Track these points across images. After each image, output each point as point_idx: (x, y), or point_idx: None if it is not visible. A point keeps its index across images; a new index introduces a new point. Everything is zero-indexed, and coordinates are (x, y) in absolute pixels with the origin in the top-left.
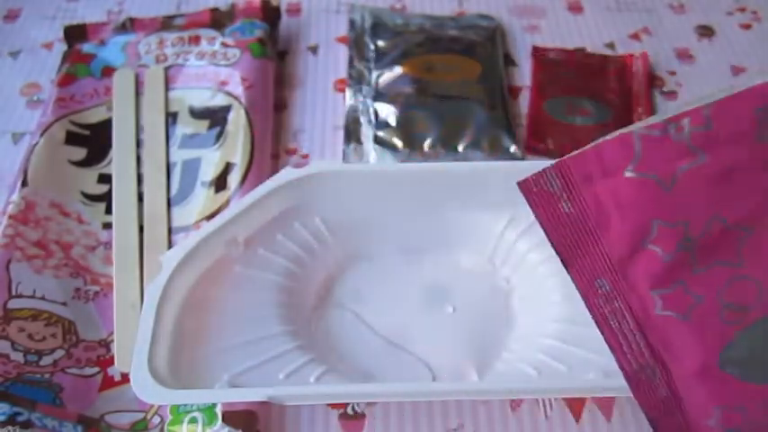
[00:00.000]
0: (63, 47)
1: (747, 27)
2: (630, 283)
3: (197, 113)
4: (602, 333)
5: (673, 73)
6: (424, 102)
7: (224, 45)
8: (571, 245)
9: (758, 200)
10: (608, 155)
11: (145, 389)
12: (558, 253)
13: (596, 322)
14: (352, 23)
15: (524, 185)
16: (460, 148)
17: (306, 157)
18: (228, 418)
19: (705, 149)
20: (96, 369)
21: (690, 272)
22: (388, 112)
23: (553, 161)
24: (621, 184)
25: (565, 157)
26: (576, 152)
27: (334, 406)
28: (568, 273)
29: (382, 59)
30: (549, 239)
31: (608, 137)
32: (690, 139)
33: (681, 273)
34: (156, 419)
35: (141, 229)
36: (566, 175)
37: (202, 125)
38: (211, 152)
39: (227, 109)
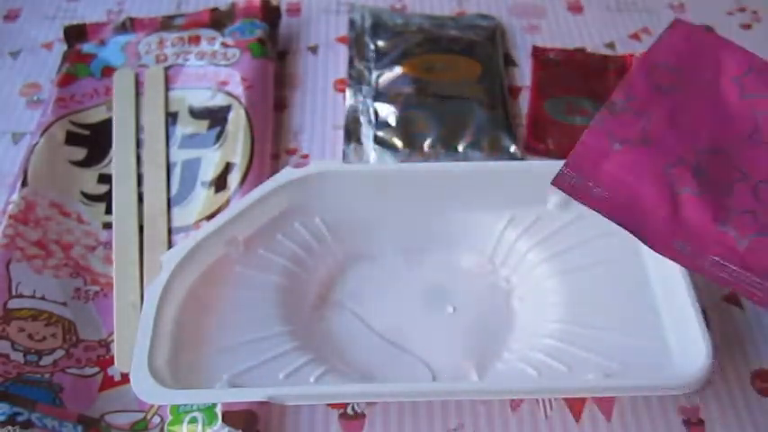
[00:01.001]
0: (63, 47)
1: (747, 27)
2: (697, 234)
3: (197, 113)
4: (723, 285)
5: None
6: (423, 102)
7: (224, 45)
8: (634, 224)
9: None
10: (592, 142)
11: (145, 389)
12: (640, 239)
13: (716, 282)
14: (352, 23)
15: (559, 185)
16: (460, 148)
17: (306, 157)
18: (228, 418)
19: (642, 110)
20: (96, 369)
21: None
22: (388, 112)
23: (555, 161)
24: (620, 155)
25: (567, 160)
26: (571, 155)
27: (334, 406)
28: (659, 253)
29: (382, 59)
30: (618, 224)
31: (584, 133)
32: (629, 109)
33: (722, 200)
34: (156, 419)
35: (141, 229)
36: (577, 171)
37: (202, 125)
38: (211, 152)
39: (227, 109)
